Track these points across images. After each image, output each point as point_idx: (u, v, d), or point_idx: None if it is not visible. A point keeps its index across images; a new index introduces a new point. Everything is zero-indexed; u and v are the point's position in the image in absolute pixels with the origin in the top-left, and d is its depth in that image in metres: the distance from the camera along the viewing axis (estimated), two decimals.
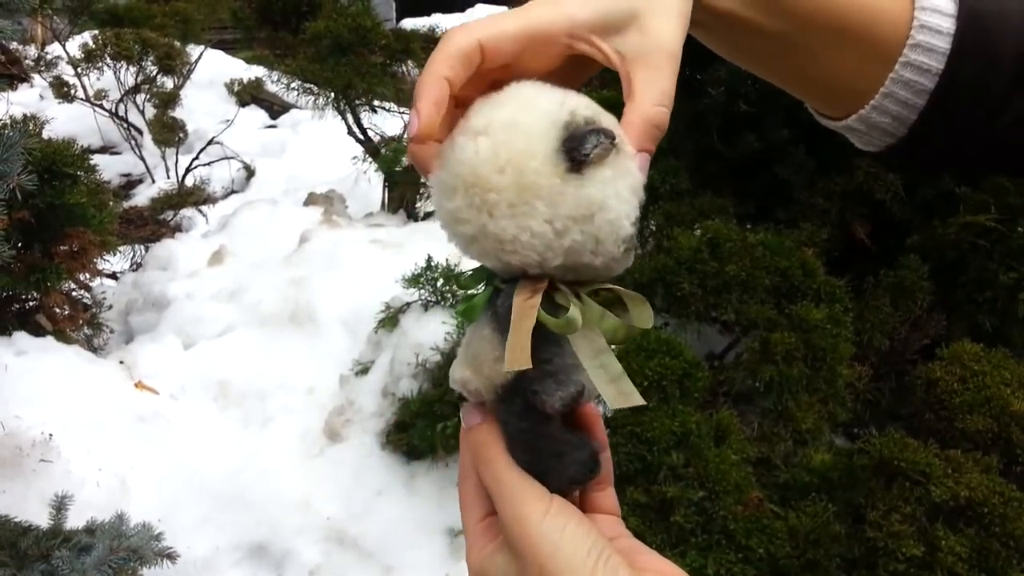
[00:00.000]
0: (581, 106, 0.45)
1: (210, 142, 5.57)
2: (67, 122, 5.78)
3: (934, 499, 1.97)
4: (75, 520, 1.83)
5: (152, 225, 4.90)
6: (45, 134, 4.06)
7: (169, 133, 5.45)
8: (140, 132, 5.98)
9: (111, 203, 3.23)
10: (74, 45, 6.13)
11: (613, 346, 0.46)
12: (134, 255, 4.27)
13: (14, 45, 5.54)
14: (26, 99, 6.43)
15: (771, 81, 0.62)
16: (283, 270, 3.56)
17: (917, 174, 2.41)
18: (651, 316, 0.47)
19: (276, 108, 7.01)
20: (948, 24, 0.53)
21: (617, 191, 0.44)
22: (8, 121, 2.62)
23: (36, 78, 6.45)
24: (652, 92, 0.48)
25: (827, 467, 2.14)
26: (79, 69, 5.86)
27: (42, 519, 1.82)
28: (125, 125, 5.97)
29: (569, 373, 0.45)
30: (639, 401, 0.44)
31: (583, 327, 0.44)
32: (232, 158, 5.71)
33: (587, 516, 0.48)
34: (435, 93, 0.46)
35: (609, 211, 0.43)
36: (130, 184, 5.99)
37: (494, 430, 0.48)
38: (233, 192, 5.70)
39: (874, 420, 2.55)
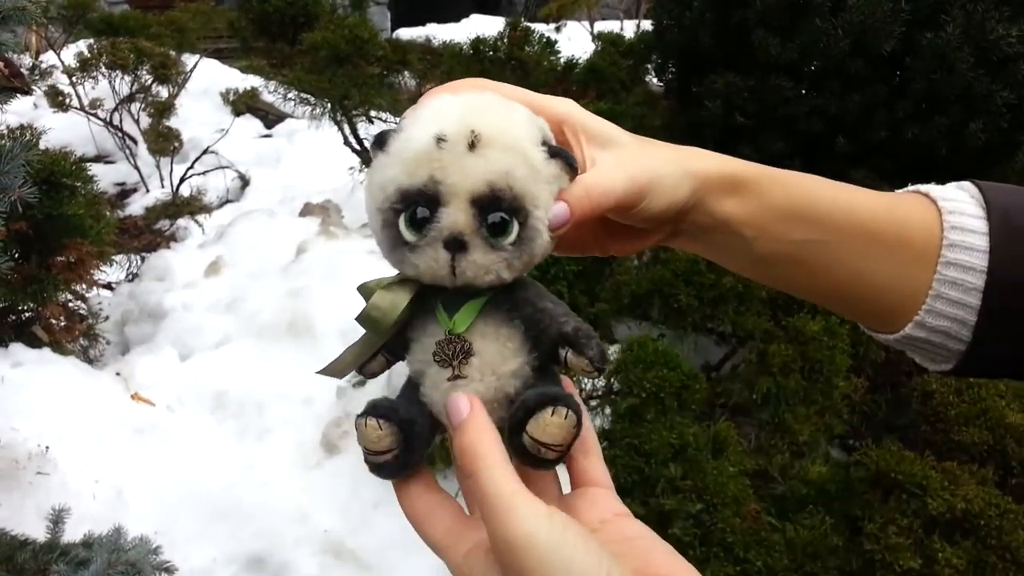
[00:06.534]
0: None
1: (205, 151, 5.57)
2: (61, 131, 5.75)
3: (931, 511, 1.98)
4: (72, 533, 1.81)
5: (147, 235, 4.89)
6: (41, 144, 4.05)
7: (164, 142, 5.44)
8: (135, 141, 5.97)
9: (108, 213, 3.22)
10: (69, 54, 6.13)
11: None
12: (130, 265, 4.25)
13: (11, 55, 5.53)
14: (20, 108, 6.39)
15: (809, 299, 0.63)
16: (281, 280, 3.56)
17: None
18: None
19: (271, 118, 7.01)
20: (979, 224, 0.54)
21: None
22: (7, 133, 2.61)
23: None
24: (615, 176, 0.50)
25: (824, 479, 2.15)
26: (74, 78, 5.85)
27: (39, 532, 1.80)
28: (120, 134, 5.96)
29: None
30: None
31: None
32: (227, 168, 5.71)
33: (580, 490, 0.46)
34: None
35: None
36: (124, 193, 5.98)
37: (490, 427, 0.42)
38: (228, 202, 5.70)
39: (870, 432, 2.56)
